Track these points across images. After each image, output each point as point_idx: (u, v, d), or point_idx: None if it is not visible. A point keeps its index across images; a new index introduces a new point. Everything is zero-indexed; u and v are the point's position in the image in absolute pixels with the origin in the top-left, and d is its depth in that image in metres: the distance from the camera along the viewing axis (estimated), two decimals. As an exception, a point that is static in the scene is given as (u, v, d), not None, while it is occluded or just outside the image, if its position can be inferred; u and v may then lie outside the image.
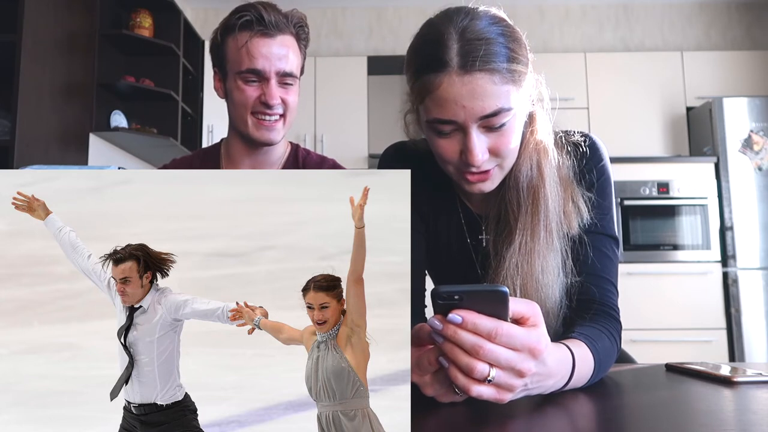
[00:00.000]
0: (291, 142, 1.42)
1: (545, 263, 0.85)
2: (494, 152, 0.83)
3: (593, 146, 0.94)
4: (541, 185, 0.87)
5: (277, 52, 1.21)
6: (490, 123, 0.80)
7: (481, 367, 0.57)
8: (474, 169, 0.83)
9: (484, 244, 0.95)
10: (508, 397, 0.60)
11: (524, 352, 0.59)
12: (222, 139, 1.41)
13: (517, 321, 0.61)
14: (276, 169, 1.36)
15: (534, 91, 0.89)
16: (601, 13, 4.32)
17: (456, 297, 0.58)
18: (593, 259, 0.89)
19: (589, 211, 0.90)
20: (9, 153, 2.29)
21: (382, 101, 3.94)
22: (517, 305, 0.61)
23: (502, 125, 0.81)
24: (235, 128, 1.30)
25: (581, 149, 0.93)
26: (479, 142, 0.81)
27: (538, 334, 0.60)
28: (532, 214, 0.87)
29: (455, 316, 0.58)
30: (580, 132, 0.96)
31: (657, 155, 3.83)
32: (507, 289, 0.58)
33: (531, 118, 0.90)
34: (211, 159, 1.39)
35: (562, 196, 0.88)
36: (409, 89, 0.86)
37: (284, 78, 1.24)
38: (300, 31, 1.27)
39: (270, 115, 1.23)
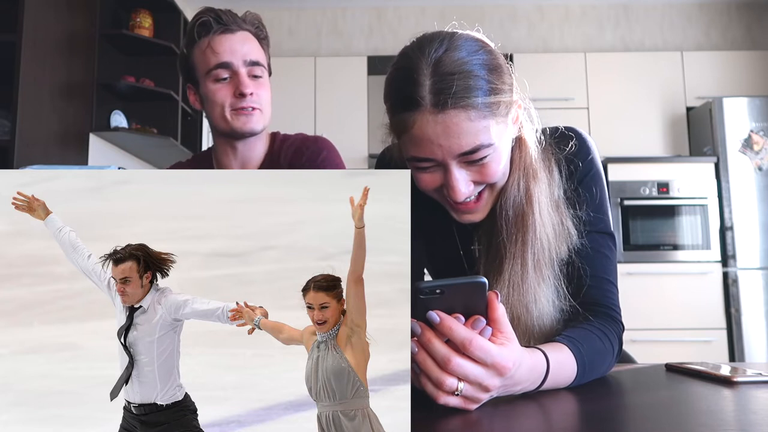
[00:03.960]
0: (270, 133, 1.42)
1: (537, 294, 0.84)
2: (479, 182, 0.81)
3: (580, 141, 0.91)
4: (530, 212, 0.85)
5: (241, 45, 1.25)
6: (469, 159, 0.78)
7: (450, 382, 0.60)
8: (459, 200, 0.82)
9: (476, 254, 0.93)
10: (474, 407, 0.62)
11: (492, 369, 0.61)
12: (210, 147, 1.42)
13: (493, 332, 0.63)
14: (260, 162, 1.36)
15: (522, 113, 0.86)
16: (601, 13, 4.32)
17: (438, 291, 0.61)
18: (591, 260, 0.88)
19: (579, 227, 0.87)
20: (9, 153, 2.29)
21: (382, 101, 3.94)
22: (498, 316, 0.64)
23: (484, 158, 0.78)
24: (217, 129, 1.31)
25: (567, 145, 0.90)
26: (461, 177, 0.79)
27: (509, 351, 0.62)
28: (522, 242, 0.84)
29: (434, 315, 0.61)
30: (566, 127, 0.92)
31: (657, 155, 3.83)
32: (485, 280, 0.62)
33: (519, 141, 0.87)
34: (205, 164, 1.40)
35: (553, 221, 0.86)
36: (388, 123, 0.85)
37: (253, 68, 1.26)
38: (258, 31, 1.30)
39: (246, 106, 1.25)
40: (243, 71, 1.24)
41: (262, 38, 1.31)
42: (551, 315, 0.86)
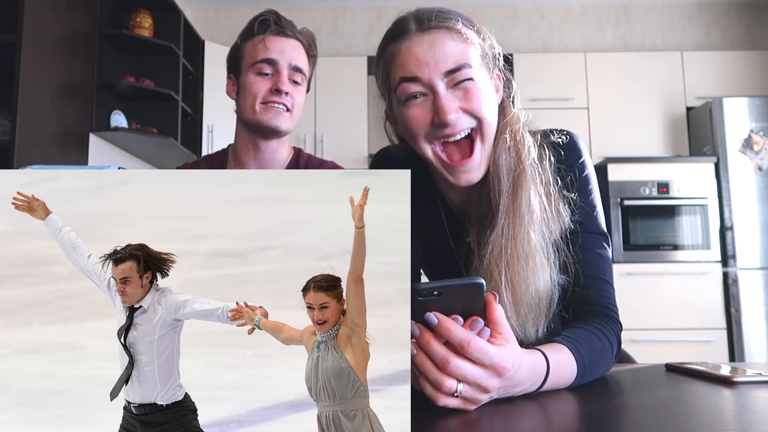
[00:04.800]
0: (294, 147, 1.44)
1: (530, 246, 0.84)
2: (466, 110, 0.83)
3: (571, 142, 0.92)
4: (521, 170, 0.86)
5: (291, 49, 1.34)
6: (455, 79, 0.82)
7: (449, 384, 0.60)
8: (448, 132, 0.83)
9: (470, 246, 0.93)
10: (473, 408, 0.62)
11: (491, 370, 0.61)
12: (229, 145, 1.44)
13: (491, 332, 0.63)
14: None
15: (501, 85, 0.91)
16: (601, 13, 4.32)
17: (435, 293, 0.60)
18: (585, 260, 0.88)
19: (572, 214, 0.88)
20: (9, 153, 2.29)
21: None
22: (497, 317, 0.64)
23: (469, 81, 0.82)
24: (243, 120, 1.34)
25: (559, 147, 0.91)
26: (448, 97, 0.82)
27: (508, 352, 0.62)
28: (513, 197, 0.85)
29: (432, 317, 0.61)
30: (559, 129, 0.94)
31: (657, 155, 3.83)
32: (483, 281, 0.62)
33: (503, 107, 0.91)
34: (218, 164, 1.41)
35: (543, 193, 0.87)
36: (377, 78, 0.90)
37: (294, 74, 1.33)
38: (309, 47, 1.38)
39: (279, 102, 1.31)
40: (285, 72, 1.31)
41: (311, 55, 1.40)
42: (547, 270, 0.85)
